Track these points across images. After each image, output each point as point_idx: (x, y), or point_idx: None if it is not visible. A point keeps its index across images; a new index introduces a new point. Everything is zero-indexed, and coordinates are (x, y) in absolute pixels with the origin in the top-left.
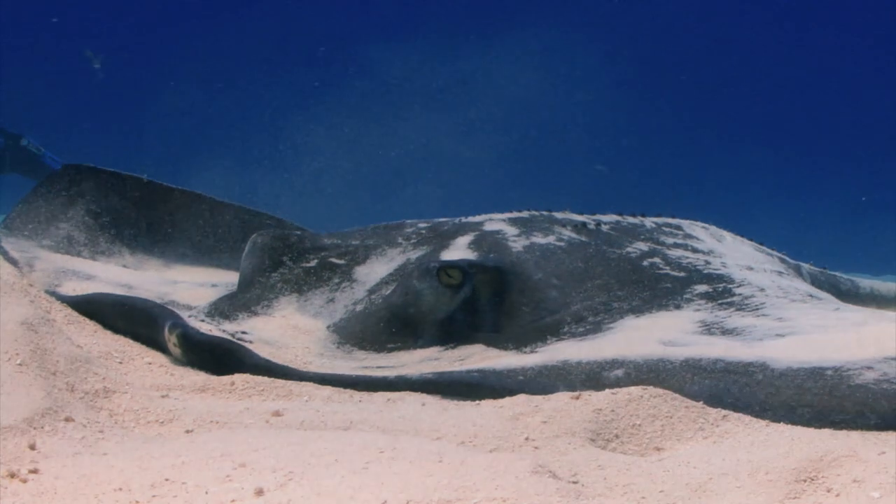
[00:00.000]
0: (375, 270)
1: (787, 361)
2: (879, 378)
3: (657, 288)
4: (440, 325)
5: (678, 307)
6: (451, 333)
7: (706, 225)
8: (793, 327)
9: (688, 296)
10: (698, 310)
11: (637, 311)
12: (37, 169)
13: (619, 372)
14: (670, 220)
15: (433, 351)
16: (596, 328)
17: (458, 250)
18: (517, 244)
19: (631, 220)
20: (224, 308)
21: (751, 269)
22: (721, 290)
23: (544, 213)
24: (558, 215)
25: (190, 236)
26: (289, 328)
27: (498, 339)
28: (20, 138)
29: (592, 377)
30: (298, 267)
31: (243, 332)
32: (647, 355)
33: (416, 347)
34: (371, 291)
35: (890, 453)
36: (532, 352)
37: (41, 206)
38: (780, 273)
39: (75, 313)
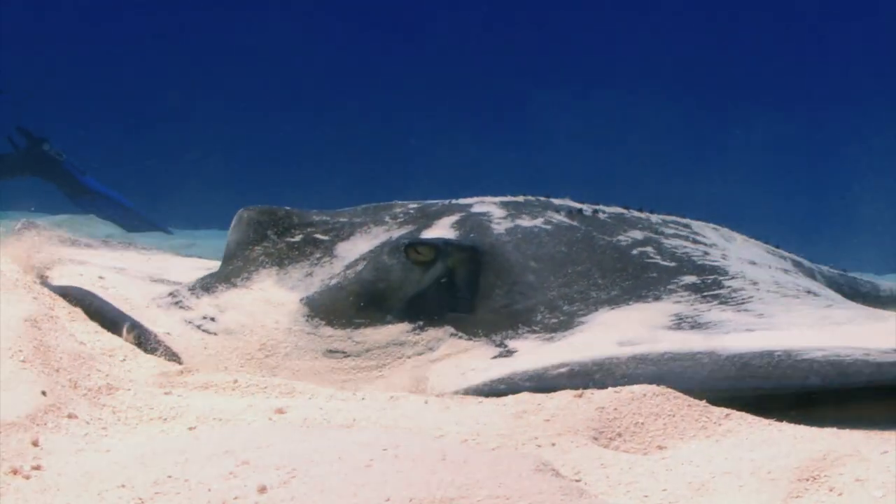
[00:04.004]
0: (357, 247)
1: (737, 348)
2: (828, 355)
3: (641, 277)
4: (410, 302)
5: (657, 298)
6: (421, 312)
7: (717, 227)
8: (769, 324)
9: (671, 287)
10: (678, 302)
11: (613, 302)
12: (57, 175)
13: (564, 370)
14: (679, 219)
15: (400, 331)
16: (568, 321)
17: (441, 230)
18: (500, 226)
19: (636, 213)
20: (207, 281)
21: (753, 263)
22: (710, 282)
23: (541, 198)
24: (556, 201)
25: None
26: (261, 302)
27: (468, 323)
28: (43, 142)
29: (536, 377)
30: (282, 241)
31: (211, 319)
32: (595, 357)
33: (385, 324)
34: (348, 267)
35: (892, 452)
36: (500, 345)
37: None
38: (785, 271)
39: (79, 310)
